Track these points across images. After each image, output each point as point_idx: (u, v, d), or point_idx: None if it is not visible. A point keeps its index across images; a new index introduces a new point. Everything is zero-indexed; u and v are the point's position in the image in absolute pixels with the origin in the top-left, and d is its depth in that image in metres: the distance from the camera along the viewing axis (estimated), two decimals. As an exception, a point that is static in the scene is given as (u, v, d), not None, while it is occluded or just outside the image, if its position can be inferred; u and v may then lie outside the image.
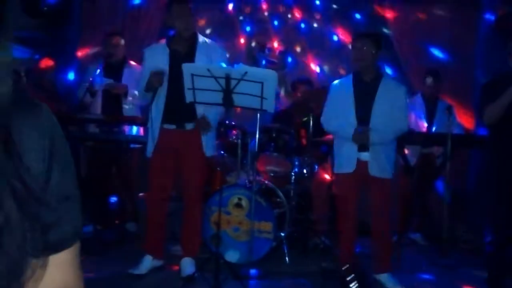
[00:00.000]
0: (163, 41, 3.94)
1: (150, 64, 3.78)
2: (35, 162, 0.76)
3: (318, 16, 6.42)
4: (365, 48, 3.76)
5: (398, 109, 3.78)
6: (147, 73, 3.75)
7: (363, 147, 3.76)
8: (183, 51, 3.80)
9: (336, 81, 4.15)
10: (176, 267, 3.95)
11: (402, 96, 3.83)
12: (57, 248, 0.80)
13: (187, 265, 3.85)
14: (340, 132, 3.86)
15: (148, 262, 3.86)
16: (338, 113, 3.85)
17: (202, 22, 6.41)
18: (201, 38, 3.89)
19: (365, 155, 3.77)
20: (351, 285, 3.36)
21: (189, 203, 3.94)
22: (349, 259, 3.84)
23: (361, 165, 3.77)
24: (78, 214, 0.84)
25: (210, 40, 3.97)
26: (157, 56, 3.80)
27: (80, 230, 0.85)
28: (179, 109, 3.74)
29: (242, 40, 6.41)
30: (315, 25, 6.42)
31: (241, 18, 6.44)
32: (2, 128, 0.66)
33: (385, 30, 6.26)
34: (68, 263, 0.83)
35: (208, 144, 3.85)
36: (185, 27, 3.77)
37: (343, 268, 3.59)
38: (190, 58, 3.76)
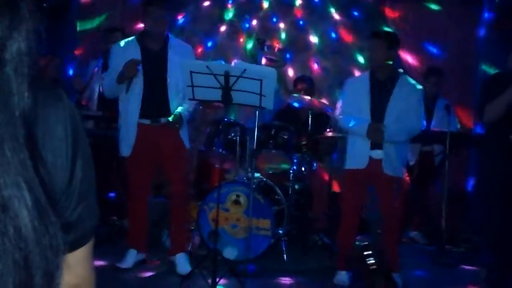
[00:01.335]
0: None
1: (120, 59, 3.73)
2: (59, 160, 0.71)
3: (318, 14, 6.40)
4: (376, 48, 3.77)
5: (413, 109, 3.75)
6: (115, 68, 3.73)
7: (376, 145, 3.74)
8: (155, 49, 3.83)
9: (351, 78, 4.14)
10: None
11: (418, 96, 3.80)
12: (76, 246, 0.78)
13: (182, 261, 3.87)
14: (355, 129, 3.82)
15: (132, 256, 3.92)
16: (353, 110, 3.84)
17: (201, 20, 6.40)
18: (172, 37, 3.94)
19: (378, 153, 3.74)
20: (367, 260, 3.38)
21: (175, 197, 3.94)
22: (348, 253, 3.83)
23: (373, 163, 3.74)
24: (96, 210, 0.81)
25: (178, 40, 4.04)
26: (129, 51, 3.78)
27: (96, 225, 0.82)
28: (153, 105, 3.78)
29: (241, 39, 6.40)
30: (315, 23, 6.40)
31: (241, 15, 6.42)
32: (25, 125, 0.59)
33: (385, 28, 6.24)
34: (83, 258, 0.82)
35: (185, 137, 3.91)
36: (160, 31, 3.80)
37: (361, 245, 3.61)
38: (163, 55, 3.80)
